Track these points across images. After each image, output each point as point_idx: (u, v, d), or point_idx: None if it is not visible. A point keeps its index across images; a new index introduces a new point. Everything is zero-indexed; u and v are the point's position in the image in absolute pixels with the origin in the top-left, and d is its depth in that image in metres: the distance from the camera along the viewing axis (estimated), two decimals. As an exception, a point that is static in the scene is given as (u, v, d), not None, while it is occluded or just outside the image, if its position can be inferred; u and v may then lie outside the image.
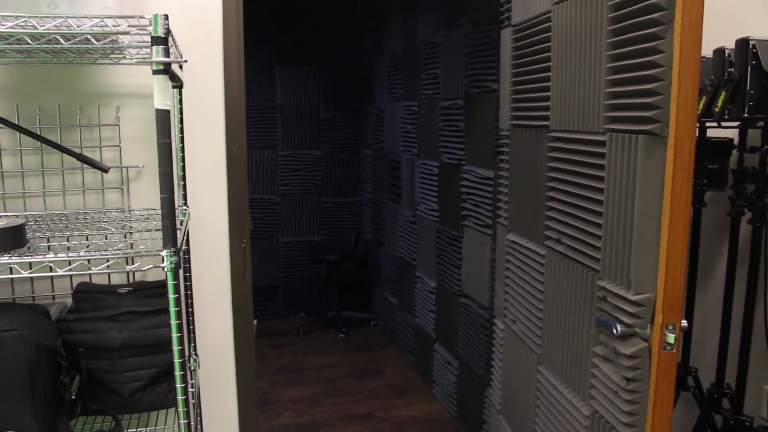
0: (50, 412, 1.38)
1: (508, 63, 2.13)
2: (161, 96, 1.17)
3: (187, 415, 1.30)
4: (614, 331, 1.41)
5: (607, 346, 1.51)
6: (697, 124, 2.21)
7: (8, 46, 1.30)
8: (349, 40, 5.02)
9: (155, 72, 1.16)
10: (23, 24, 1.18)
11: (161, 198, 1.20)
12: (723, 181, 2.27)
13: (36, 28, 1.19)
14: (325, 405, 3.70)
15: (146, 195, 1.85)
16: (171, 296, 1.24)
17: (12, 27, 1.18)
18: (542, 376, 1.89)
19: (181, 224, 1.49)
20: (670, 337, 1.35)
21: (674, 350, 1.36)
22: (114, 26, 1.23)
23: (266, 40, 4.83)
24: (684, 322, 1.37)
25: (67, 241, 1.54)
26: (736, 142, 2.21)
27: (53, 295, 1.80)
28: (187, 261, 1.80)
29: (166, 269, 1.22)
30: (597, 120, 1.54)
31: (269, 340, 4.68)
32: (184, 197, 1.79)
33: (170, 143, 1.20)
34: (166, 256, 1.21)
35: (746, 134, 2.16)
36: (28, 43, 1.26)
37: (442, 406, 3.68)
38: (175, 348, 1.25)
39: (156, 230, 1.53)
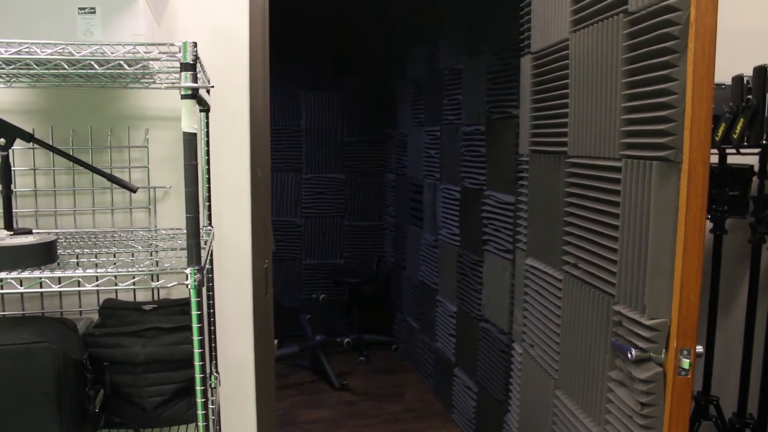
0: (75, 424, 1.42)
1: (527, 89, 2.16)
2: (189, 119, 1.22)
3: (207, 431, 1.33)
4: (629, 355, 1.42)
5: (623, 370, 1.52)
6: (717, 151, 2.22)
7: (46, 71, 1.37)
8: (373, 66, 5.09)
9: (183, 96, 1.21)
10: (61, 50, 1.25)
11: (186, 217, 1.24)
12: (744, 208, 2.27)
13: (72, 55, 1.25)
14: (344, 427, 3.70)
15: (172, 215, 1.90)
16: (194, 313, 1.28)
17: (50, 54, 1.24)
18: (559, 401, 1.89)
19: (206, 243, 1.54)
20: (685, 363, 1.35)
21: (689, 375, 1.36)
22: (145, 53, 1.29)
23: (292, 66, 4.92)
24: (699, 348, 1.37)
25: (96, 257, 1.59)
26: (756, 168, 2.21)
27: (80, 311, 1.86)
28: (211, 280, 1.85)
29: (189, 286, 1.26)
30: (613, 146, 1.56)
31: (290, 361, 4.69)
32: (209, 218, 1.84)
33: (196, 165, 1.25)
34: (190, 273, 1.25)
35: (767, 161, 2.16)
36: (65, 68, 1.32)
37: (461, 431, 3.66)
38: (197, 364, 1.29)
39: (181, 249, 1.58)
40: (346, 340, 4.69)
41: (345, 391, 4.21)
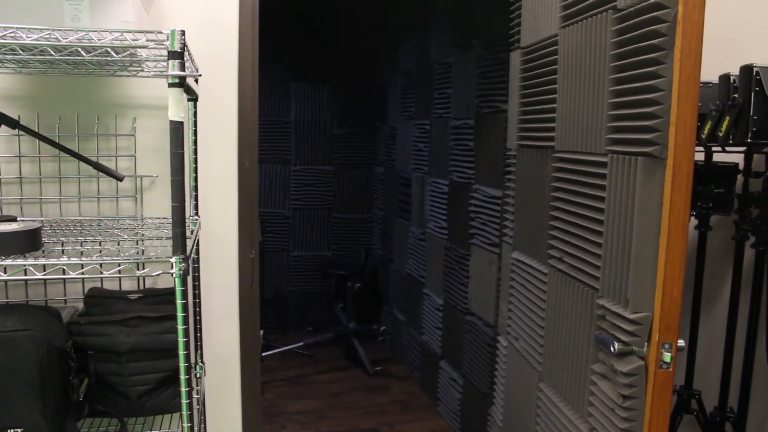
0: (58, 412, 1.41)
1: (516, 84, 2.17)
2: (176, 108, 1.21)
3: (191, 419, 1.33)
4: (612, 348, 1.44)
5: (605, 363, 1.53)
6: (703, 149, 2.24)
7: (32, 57, 1.36)
8: (363, 59, 5.08)
9: (171, 85, 1.21)
10: (47, 36, 1.24)
11: (172, 206, 1.24)
12: (728, 205, 2.28)
13: (59, 41, 1.24)
14: (330, 419, 3.72)
15: (159, 204, 1.89)
16: (179, 302, 1.27)
17: (36, 39, 1.23)
18: (543, 394, 1.91)
19: (192, 233, 1.54)
20: (666, 356, 1.37)
21: (670, 369, 1.38)
22: (133, 40, 1.28)
23: (281, 57, 4.90)
24: (681, 342, 1.39)
25: (81, 246, 1.59)
26: (741, 166, 2.23)
27: (65, 299, 1.85)
28: (197, 269, 1.84)
29: (174, 275, 1.26)
30: (599, 141, 1.57)
31: (277, 353, 4.70)
32: (196, 207, 1.83)
33: (183, 154, 1.24)
34: (175, 262, 1.25)
35: (751, 159, 2.18)
36: (51, 55, 1.31)
37: (446, 424, 3.68)
38: (181, 353, 1.28)
39: (167, 238, 1.57)
40: (382, 327, 4.77)
41: (332, 383, 4.22)
